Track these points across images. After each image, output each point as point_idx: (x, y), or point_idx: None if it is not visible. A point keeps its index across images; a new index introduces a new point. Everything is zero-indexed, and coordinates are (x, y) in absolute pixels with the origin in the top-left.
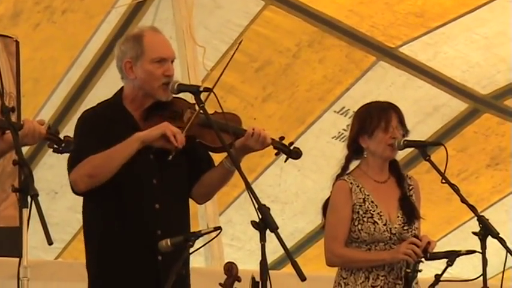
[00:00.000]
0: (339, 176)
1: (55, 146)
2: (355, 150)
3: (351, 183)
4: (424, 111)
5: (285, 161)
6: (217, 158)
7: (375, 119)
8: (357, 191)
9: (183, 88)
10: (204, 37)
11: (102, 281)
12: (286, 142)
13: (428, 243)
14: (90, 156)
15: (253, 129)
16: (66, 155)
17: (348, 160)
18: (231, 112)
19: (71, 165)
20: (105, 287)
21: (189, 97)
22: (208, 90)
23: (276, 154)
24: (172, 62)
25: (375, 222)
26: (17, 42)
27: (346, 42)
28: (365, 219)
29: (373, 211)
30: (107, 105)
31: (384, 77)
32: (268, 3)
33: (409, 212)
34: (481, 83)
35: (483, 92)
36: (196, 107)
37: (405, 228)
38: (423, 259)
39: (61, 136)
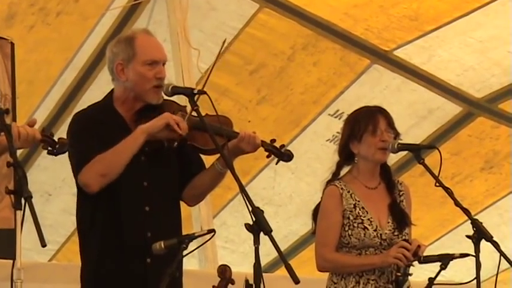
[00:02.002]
0: (329, 182)
1: (49, 148)
2: (346, 156)
3: (342, 188)
4: (418, 114)
5: (276, 163)
6: (209, 160)
7: (362, 124)
8: (347, 197)
9: (177, 91)
10: (199, 39)
11: (92, 282)
12: (279, 144)
13: (419, 246)
14: (97, 156)
15: (244, 132)
16: (61, 157)
17: (339, 167)
18: (223, 114)
19: (79, 168)
20: None
21: (183, 100)
22: (203, 93)
23: (268, 156)
24: (164, 64)
25: (365, 227)
26: (12, 44)
27: (341, 45)
28: (355, 224)
29: (364, 217)
30: (98, 107)
31: (379, 80)
32: (262, 5)
33: (400, 217)
34: (475, 87)
35: (477, 96)
36: (187, 110)
37: (395, 233)
38: (415, 263)
39: (55, 138)
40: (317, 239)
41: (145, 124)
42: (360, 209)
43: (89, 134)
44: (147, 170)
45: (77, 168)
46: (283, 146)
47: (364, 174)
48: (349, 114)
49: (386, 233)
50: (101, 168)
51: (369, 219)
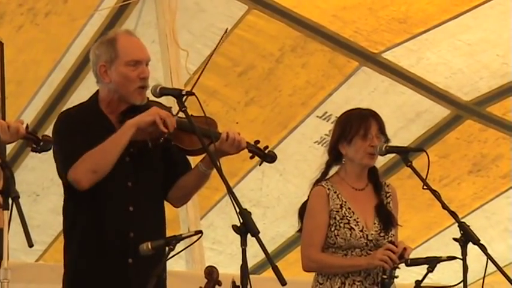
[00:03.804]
0: (317, 182)
1: (33, 145)
2: (335, 156)
3: (328, 189)
4: (406, 117)
5: (260, 165)
6: (195, 161)
7: (354, 127)
8: (334, 197)
9: (165, 92)
10: (187, 41)
11: (75, 281)
12: (264, 146)
13: (404, 249)
14: (86, 153)
15: (228, 133)
16: (49, 158)
17: (328, 166)
18: (208, 116)
19: (67, 166)
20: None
21: (171, 100)
22: (191, 94)
23: (251, 157)
24: (147, 64)
25: (351, 228)
26: (1, 44)
27: (329, 47)
28: (341, 225)
29: (350, 217)
30: (83, 108)
31: (367, 83)
32: (251, 7)
33: (386, 219)
34: (463, 90)
35: (465, 99)
36: (173, 111)
37: (381, 234)
38: (402, 265)
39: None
40: (303, 239)
41: (134, 118)
42: (346, 210)
43: (74, 132)
44: (132, 171)
45: (63, 166)
46: (266, 147)
47: (351, 175)
48: (341, 114)
49: (372, 234)
50: (91, 164)
51: (355, 219)
